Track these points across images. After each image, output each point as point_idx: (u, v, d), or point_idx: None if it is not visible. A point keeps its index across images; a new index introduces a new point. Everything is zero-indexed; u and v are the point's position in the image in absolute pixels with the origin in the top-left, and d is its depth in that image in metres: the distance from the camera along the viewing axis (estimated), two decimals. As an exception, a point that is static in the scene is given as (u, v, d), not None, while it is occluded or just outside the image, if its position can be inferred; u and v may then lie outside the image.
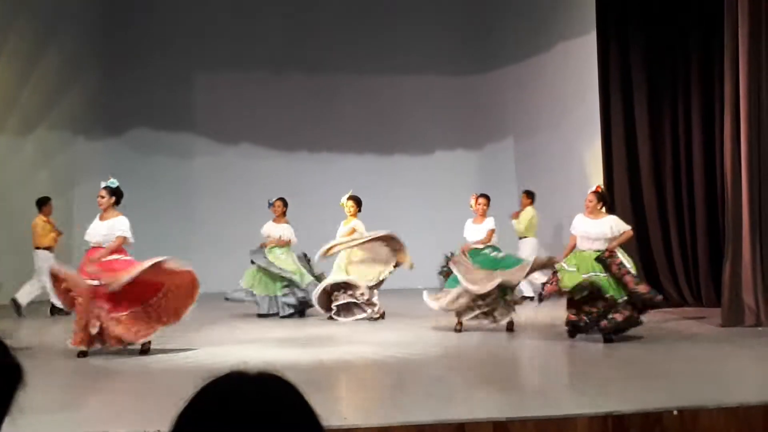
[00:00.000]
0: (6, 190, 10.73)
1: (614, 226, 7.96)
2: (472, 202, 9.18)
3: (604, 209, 8.16)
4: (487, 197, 9.17)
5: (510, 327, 8.65)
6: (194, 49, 14.59)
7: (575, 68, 12.76)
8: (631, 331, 7.78)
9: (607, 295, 7.51)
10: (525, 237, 12.31)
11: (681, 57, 10.82)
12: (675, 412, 4.71)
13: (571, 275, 7.65)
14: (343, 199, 10.52)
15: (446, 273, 14.72)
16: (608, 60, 11.32)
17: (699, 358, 7.01)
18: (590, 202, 8.02)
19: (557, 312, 9.10)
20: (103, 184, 7.53)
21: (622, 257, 7.93)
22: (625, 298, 7.56)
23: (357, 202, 10.48)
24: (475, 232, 9.06)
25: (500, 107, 14.80)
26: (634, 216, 10.79)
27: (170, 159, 14.44)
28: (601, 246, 7.80)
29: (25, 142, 12.30)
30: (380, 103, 15.02)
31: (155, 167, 14.03)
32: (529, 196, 12.50)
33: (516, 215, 12.51)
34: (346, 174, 14.00)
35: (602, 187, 8.50)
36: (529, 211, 12.39)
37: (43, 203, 11.12)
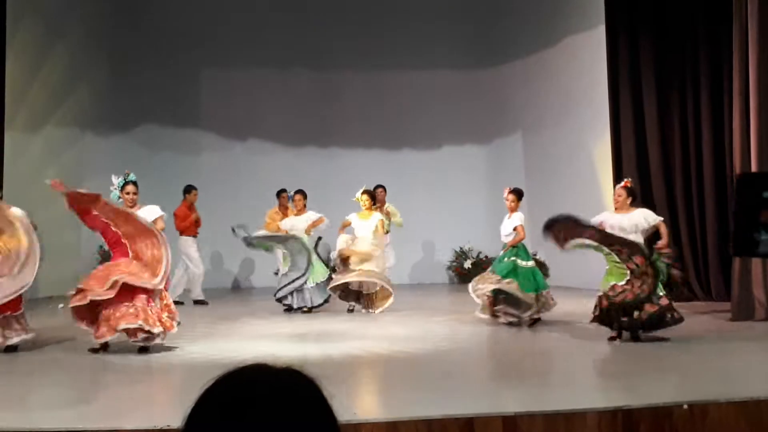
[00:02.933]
0: (14, 187, 10.72)
1: (647, 217, 7.80)
2: (505, 194, 8.96)
3: (630, 203, 7.92)
4: (515, 193, 8.91)
5: (531, 323, 8.61)
6: (201, 45, 14.59)
7: (584, 62, 12.72)
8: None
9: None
10: None
11: (690, 51, 10.77)
12: (685, 407, 4.69)
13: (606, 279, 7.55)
14: (358, 194, 10.56)
15: (456, 268, 14.78)
16: (617, 54, 11.28)
17: (709, 353, 6.99)
18: (619, 197, 7.81)
19: (562, 305, 9.09)
20: (118, 179, 7.55)
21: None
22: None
23: (371, 196, 10.56)
24: (505, 226, 8.85)
25: (509, 102, 14.76)
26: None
27: (177, 155, 14.46)
28: (636, 239, 7.63)
29: (33, 138, 12.32)
30: (388, 98, 15.00)
31: (162, 163, 14.05)
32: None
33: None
34: (354, 169, 13.99)
35: (631, 182, 8.28)
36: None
37: (279, 195, 12.04)
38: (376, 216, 10.45)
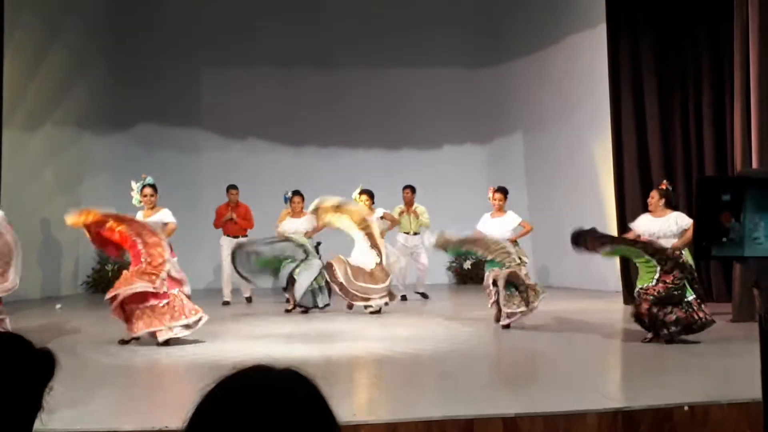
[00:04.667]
0: (13, 187, 10.70)
1: (679, 220, 7.69)
2: (490, 194, 9.06)
3: (664, 205, 7.83)
4: (503, 191, 9.00)
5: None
6: (201, 44, 14.57)
7: (585, 61, 12.69)
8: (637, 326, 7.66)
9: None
10: None
11: (691, 50, 10.75)
12: (686, 408, 4.67)
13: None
14: (355, 194, 10.48)
15: (455, 269, 14.74)
16: (618, 53, 11.24)
17: (709, 353, 6.96)
18: (652, 198, 7.76)
19: (563, 306, 9.07)
20: (137, 184, 8.00)
21: (688, 258, 7.53)
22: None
23: (370, 195, 10.51)
24: (493, 226, 8.89)
25: (509, 101, 14.74)
26: (644, 211, 10.72)
27: (177, 154, 14.43)
28: (667, 244, 7.54)
29: (31, 138, 12.29)
30: (388, 97, 14.97)
31: (162, 163, 13.99)
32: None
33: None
34: (354, 169, 13.95)
35: (667, 184, 8.12)
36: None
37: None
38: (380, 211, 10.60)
